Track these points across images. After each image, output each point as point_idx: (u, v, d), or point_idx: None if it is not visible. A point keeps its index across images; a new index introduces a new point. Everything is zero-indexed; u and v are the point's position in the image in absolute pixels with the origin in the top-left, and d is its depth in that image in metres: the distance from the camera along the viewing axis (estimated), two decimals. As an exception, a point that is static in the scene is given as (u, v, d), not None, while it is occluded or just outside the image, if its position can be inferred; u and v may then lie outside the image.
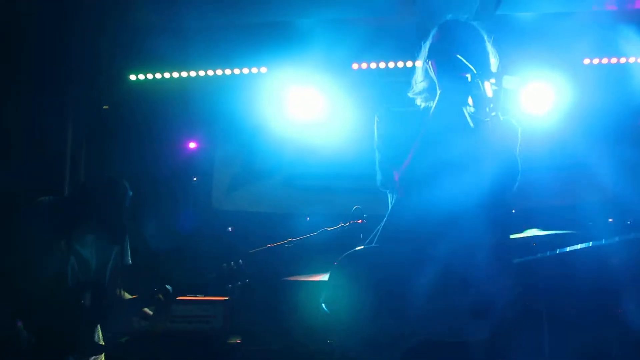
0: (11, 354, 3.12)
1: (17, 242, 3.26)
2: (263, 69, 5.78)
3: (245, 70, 5.81)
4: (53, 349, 3.18)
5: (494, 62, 2.34)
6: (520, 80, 2.11)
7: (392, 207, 2.32)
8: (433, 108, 2.19)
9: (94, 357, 3.46)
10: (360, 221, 4.29)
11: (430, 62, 2.25)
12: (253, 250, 3.87)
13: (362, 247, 2.28)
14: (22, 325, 3.16)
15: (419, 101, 2.42)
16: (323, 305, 2.25)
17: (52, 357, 3.18)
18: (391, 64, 5.63)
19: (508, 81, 2.08)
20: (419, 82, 2.42)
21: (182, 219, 6.01)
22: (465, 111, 2.20)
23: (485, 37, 2.35)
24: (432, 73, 2.26)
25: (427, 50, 2.33)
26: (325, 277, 4.40)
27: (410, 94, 2.47)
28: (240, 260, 3.56)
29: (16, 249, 3.24)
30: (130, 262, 3.69)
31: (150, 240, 5.89)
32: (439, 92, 2.21)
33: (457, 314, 2.00)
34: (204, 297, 5.09)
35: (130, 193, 3.49)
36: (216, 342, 4.89)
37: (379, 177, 2.40)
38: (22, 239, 3.26)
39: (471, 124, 2.13)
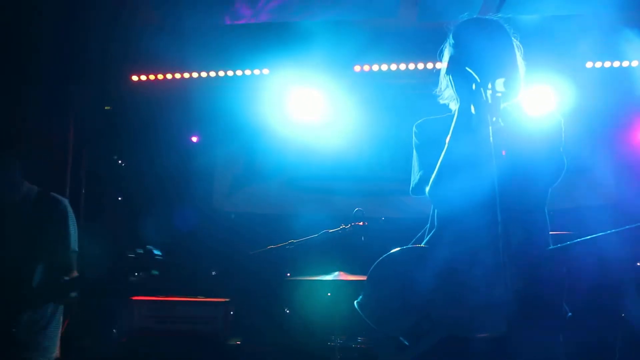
0: None
1: None
2: (265, 71, 5.78)
3: (248, 72, 5.81)
4: None
5: (518, 55, 2.34)
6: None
7: (438, 214, 2.35)
8: (453, 123, 2.21)
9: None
10: (361, 223, 4.29)
11: (449, 77, 2.26)
12: (254, 252, 3.87)
13: (398, 249, 2.32)
14: None
15: (452, 106, 2.43)
16: (356, 305, 2.31)
17: None
18: (393, 66, 5.62)
19: (500, 84, 2.09)
20: (444, 89, 2.45)
21: (180, 218, 6.00)
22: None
23: (508, 30, 2.34)
24: (452, 87, 2.29)
25: (445, 61, 2.34)
26: (327, 277, 4.40)
27: (440, 101, 2.49)
28: (148, 246, 3.07)
29: None
30: (77, 249, 3.25)
31: (150, 240, 5.88)
32: (457, 105, 2.24)
33: (502, 312, 2.00)
34: (205, 298, 5.10)
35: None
36: (216, 343, 4.90)
37: (413, 183, 2.43)
38: None
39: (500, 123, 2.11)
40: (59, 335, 3.21)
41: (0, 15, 4.94)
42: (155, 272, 3.01)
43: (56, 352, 3.18)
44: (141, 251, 2.99)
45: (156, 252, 3.00)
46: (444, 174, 2.21)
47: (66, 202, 3.26)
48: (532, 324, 2.05)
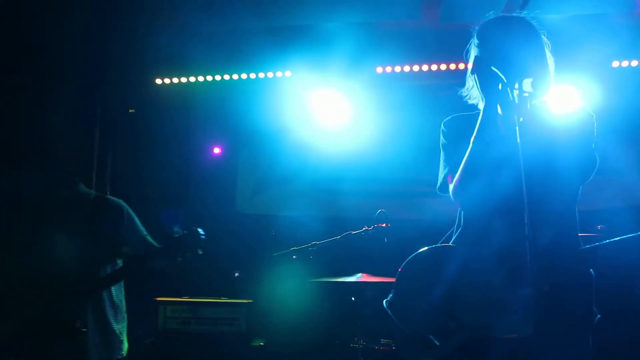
0: None
1: None
2: (287, 73, 5.79)
3: (270, 74, 5.82)
4: (38, 335, 3.06)
5: (547, 52, 2.31)
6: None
7: (464, 212, 2.35)
8: (478, 122, 2.20)
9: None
10: (384, 225, 4.27)
11: (474, 76, 2.25)
12: (277, 254, 3.88)
13: (426, 248, 2.31)
14: None
15: (480, 105, 2.41)
16: (385, 304, 2.30)
17: (39, 343, 3.06)
18: (415, 67, 5.60)
19: (528, 84, 2.07)
20: (470, 89, 2.44)
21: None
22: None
23: (536, 28, 2.31)
24: (477, 86, 2.28)
25: (471, 61, 2.33)
26: (350, 279, 4.39)
27: (468, 101, 2.47)
28: (185, 231, 3.21)
29: None
30: (146, 236, 3.45)
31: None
32: (483, 103, 2.22)
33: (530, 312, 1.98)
34: (229, 299, 5.12)
35: None
36: (240, 344, 4.91)
37: (439, 181, 2.42)
38: None
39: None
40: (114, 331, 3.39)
41: (27, 20, 5.03)
42: (200, 252, 3.16)
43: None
44: (186, 231, 3.16)
45: (200, 231, 3.17)
46: (466, 175, 2.20)
47: (121, 203, 3.50)
48: (560, 326, 2.02)
